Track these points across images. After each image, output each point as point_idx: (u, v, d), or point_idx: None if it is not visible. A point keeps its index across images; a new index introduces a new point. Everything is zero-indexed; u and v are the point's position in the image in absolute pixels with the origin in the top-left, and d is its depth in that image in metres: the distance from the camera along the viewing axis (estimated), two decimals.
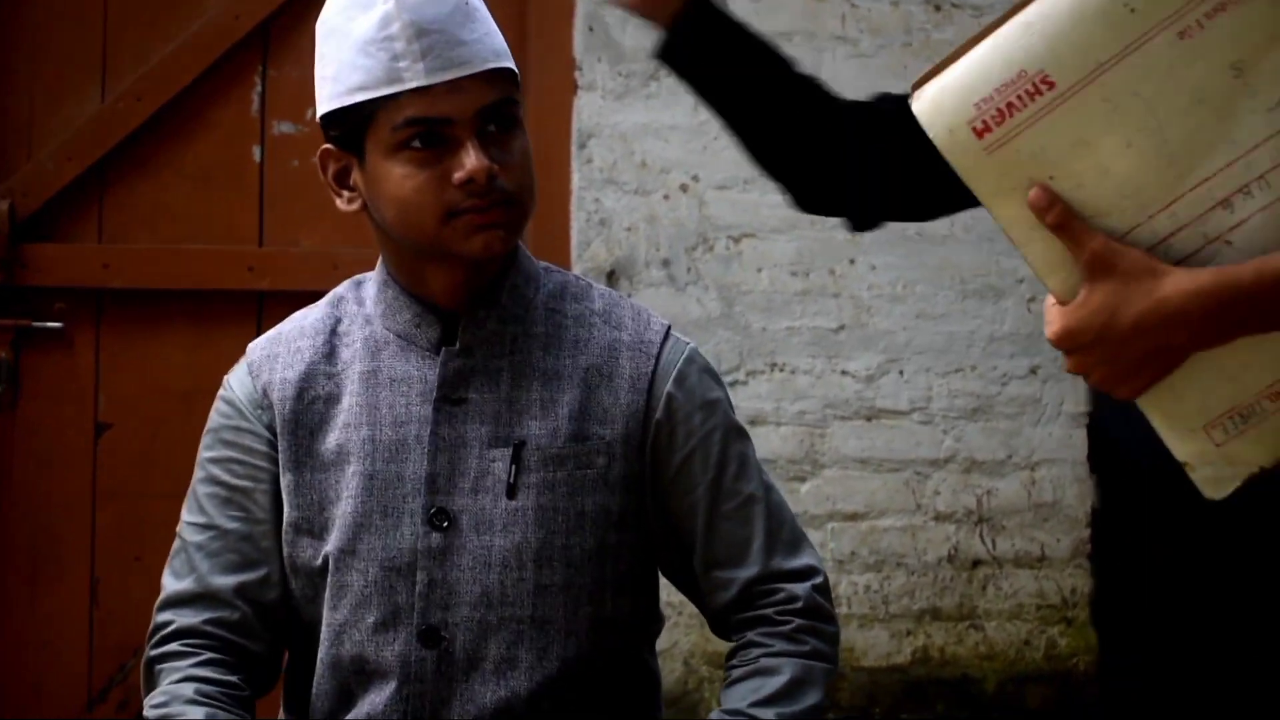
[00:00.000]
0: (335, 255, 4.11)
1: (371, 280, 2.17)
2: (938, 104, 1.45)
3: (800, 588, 2.11)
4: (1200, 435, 1.48)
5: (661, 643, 2.38)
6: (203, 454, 2.17)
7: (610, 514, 2.09)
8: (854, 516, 4.34)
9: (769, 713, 2.04)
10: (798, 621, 2.10)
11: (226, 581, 2.09)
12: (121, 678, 4.10)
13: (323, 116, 2.06)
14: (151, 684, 2.09)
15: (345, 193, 2.08)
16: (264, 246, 4.22)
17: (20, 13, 4.15)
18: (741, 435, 2.17)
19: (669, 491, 2.12)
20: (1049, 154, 1.44)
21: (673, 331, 2.17)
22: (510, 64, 2.05)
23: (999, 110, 1.43)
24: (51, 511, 4.15)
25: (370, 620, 2.05)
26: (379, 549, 2.05)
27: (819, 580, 2.15)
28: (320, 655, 2.09)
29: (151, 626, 2.13)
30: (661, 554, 2.18)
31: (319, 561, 2.09)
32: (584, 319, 2.13)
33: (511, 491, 2.05)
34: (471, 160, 1.96)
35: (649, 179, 4.28)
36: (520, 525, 2.05)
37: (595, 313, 2.14)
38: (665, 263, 4.26)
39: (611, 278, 4.22)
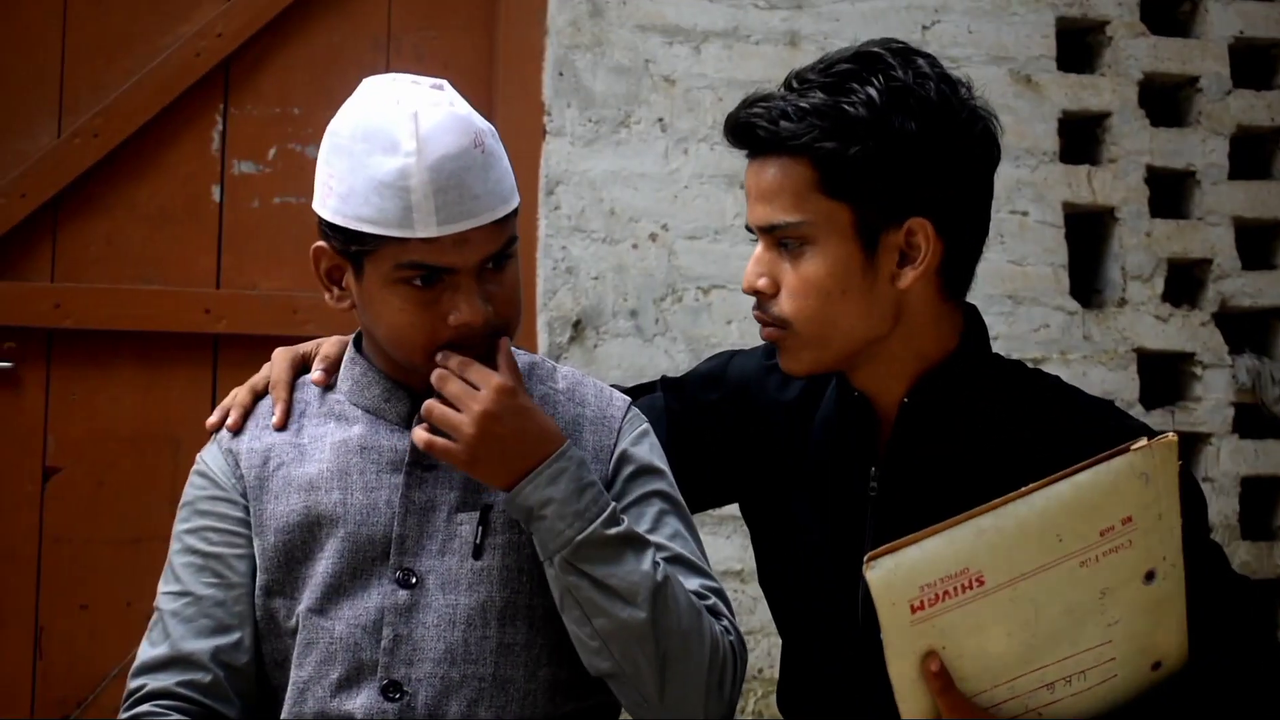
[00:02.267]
0: (295, 300, 4.04)
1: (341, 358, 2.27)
2: (890, 581, 1.74)
3: (708, 602, 2.13)
4: None
5: None
6: (178, 527, 2.20)
7: None
8: None
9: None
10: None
11: (200, 646, 2.11)
12: None
13: (324, 221, 2.08)
14: None
15: (335, 290, 2.14)
16: (221, 289, 4.13)
17: None
18: (681, 510, 2.21)
19: None
20: (953, 631, 1.77)
21: (633, 406, 2.26)
22: (516, 201, 2.10)
23: (936, 595, 1.74)
24: None
25: (334, 676, 2.08)
26: (346, 608, 2.09)
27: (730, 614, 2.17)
28: (284, 714, 2.11)
29: (125, 693, 2.14)
30: None
31: (292, 622, 2.12)
32: (549, 398, 2.22)
33: (478, 552, 2.11)
34: (469, 309, 2.03)
35: (617, 227, 4.22)
36: (485, 584, 2.10)
37: (560, 392, 2.23)
38: (633, 313, 4.20)
39: (578, 328, 4.14)
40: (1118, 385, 4.39)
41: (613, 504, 2.05)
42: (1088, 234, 4.57)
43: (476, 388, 2.00)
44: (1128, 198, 4.51)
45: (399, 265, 2.02)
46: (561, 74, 4.22)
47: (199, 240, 4.13)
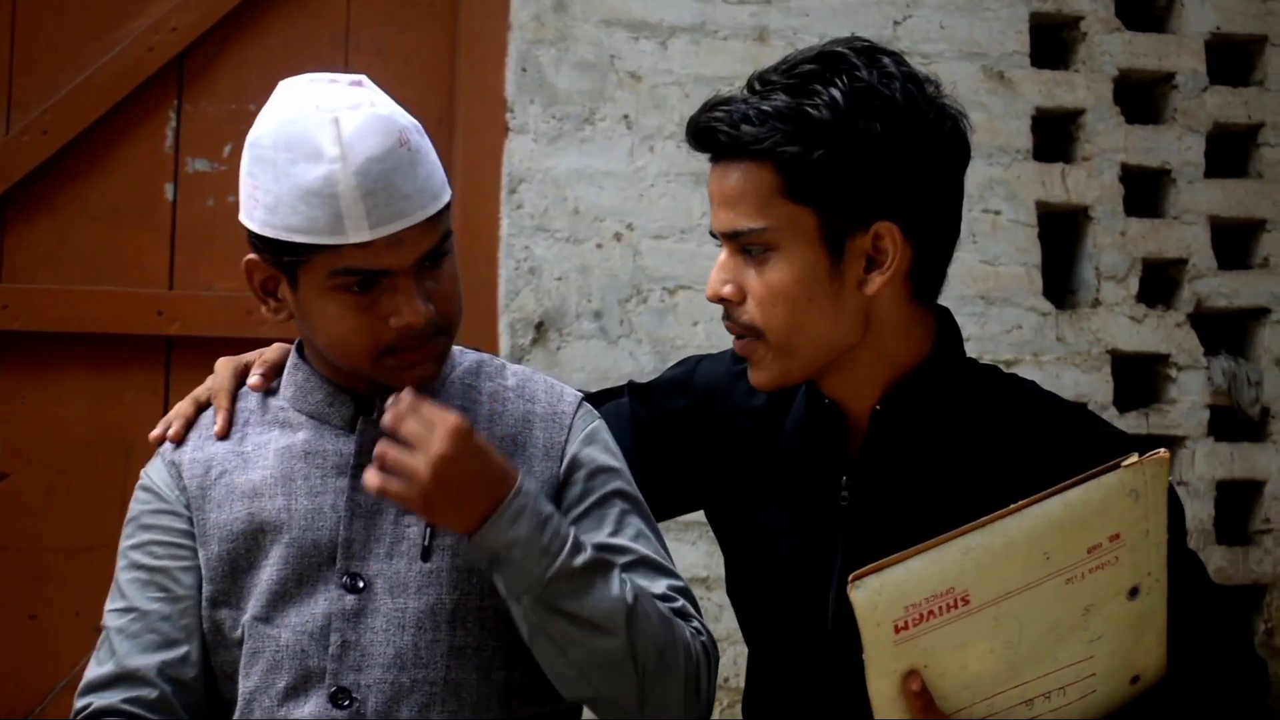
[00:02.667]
0: (249, 300, 3.87)
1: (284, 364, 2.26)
2: (874, 601, 1.72)
3: (675, 604, 2.12)
4: None
5: None
6: (123, 544, 2.18)
7: None
8: None
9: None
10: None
11: (146, 661, 2.09)
12: None
13: (252, 233, 2.06)
14: None
15: (271, 301, 2.12)
16: (174, 289, 4.06)
17: None
18: (641, 508, 2.20)
19: None
20: (935, 650, 1.76)
21: (585, 403, 2.25)
22: (448, 196, 2.09)
23: (921, 615, 1.73)
24: None
25: (281, 685, 2.07)
26: (293, 614, 2.08)
27: (703, 634, 2.14)
28: None
29: (72, 713, 2.12)
30: None
31: (238, 632, 2.10)
32: (499, 395, 2.21)
33: (426, 554, 2.08)
34: (410, 310, 2.02)
35: (581, 227, 4.16)
36: (435, 586, 2.08)
37: (510, 389, 2.22)
38: (597, 314, 4.13)
39: (540, 329, 4.08)
40: (1091, 387, 4.34)
41: (572, 531, 2.02)
42: (1061, 233, 4.52)
43: (430, 426, 1.94)
44: (1102, 196, 4.46)
45: (334, 273, 2.00)
46: (524, 70, 4.15)
47: (152, 240, 4.05)
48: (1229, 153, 4.65)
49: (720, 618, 4.05)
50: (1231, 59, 4.69)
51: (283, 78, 2.07)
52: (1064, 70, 4.53)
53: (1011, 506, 1.73)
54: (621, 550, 2.11)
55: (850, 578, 1.72)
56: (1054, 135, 4.54)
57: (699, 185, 4.17)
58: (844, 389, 2.11)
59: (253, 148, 2.03)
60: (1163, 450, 1.76)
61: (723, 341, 4.07)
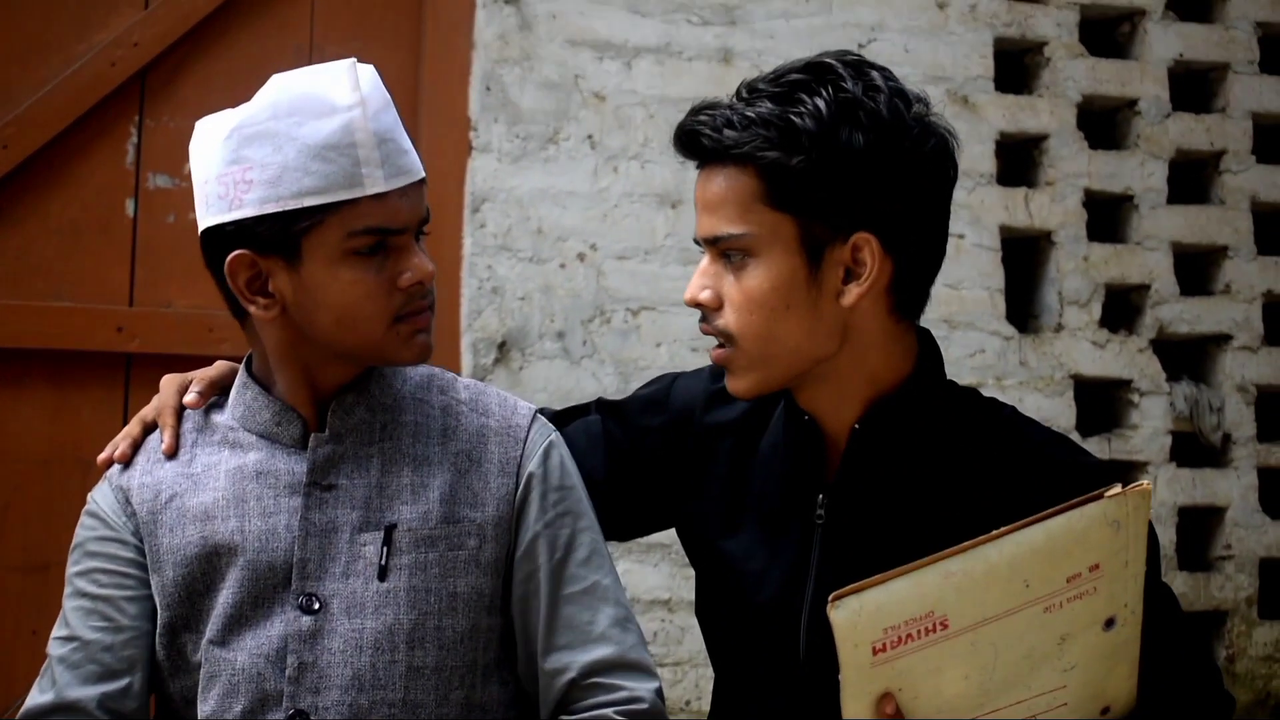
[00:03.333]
0: (210, 318, 3.94)
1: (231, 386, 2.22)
2: (854, 622, 1.72)
3: (643, 688, 2.12)
4: None
5: None
6: (69, 570, 2.15)
7: (483, 596, 2.11)
8: None
9: None
10: None
11: (85, 693, 2.08)
12: None
13: (243, 221, 2.02)
14: None
15: (261, 300, 2.06)
16: (134, 306, 4.02)
17: None
18: (593, 526, 2.19)
19: (516, 569, 2.14)
20: (911, 673, 1.75)
21: (539, 415, 2.23)
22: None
23: (900, 638, 1.73)
24: None
25: (238, 709, 2.04)
26: (249, 637, 2.05)
27: (659, 685, 2.15)
28: None
29: None
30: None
31: (198, 656, 2.09)
32: (451, 408, 2.19)
33: (383, 574, 2.07)
34: (419, 266, 2.04)
35: (545, 246, 4.14)
36: (392, 607, 2.07)
37: (462, 402, 2.21)
38: (560, 335, 4.11)
39: (503, 349, 4.06)
40: (1054, 412, 4.34)
41: None
42: (1024, 258, 4.52)
43: None
44: (1065, 221, 4.47)
45: (351, 234, 2.00)
46: (489, 89, 4.14)
47: (112, 256, 4.02)
48: (1191, 179, 4.66)
49: (682, 640, 4.03)
50: (1194, 86, 4.71)
51: (245, 93, 2.08)
52: (1028, 95, 4.54)
53: (994, 532, 1.73)
54: (571, 578, 2.13)
55: (830, 597, 1.71)
56: (1017, 160, 4.55)
57: (663, 206, 4.16)
58: (822, 404, 2.11)
59: (239, 130, 2.01)
60: (1145, 482, 1.76)
61: (685, 362, 4.09)
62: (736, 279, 2.03)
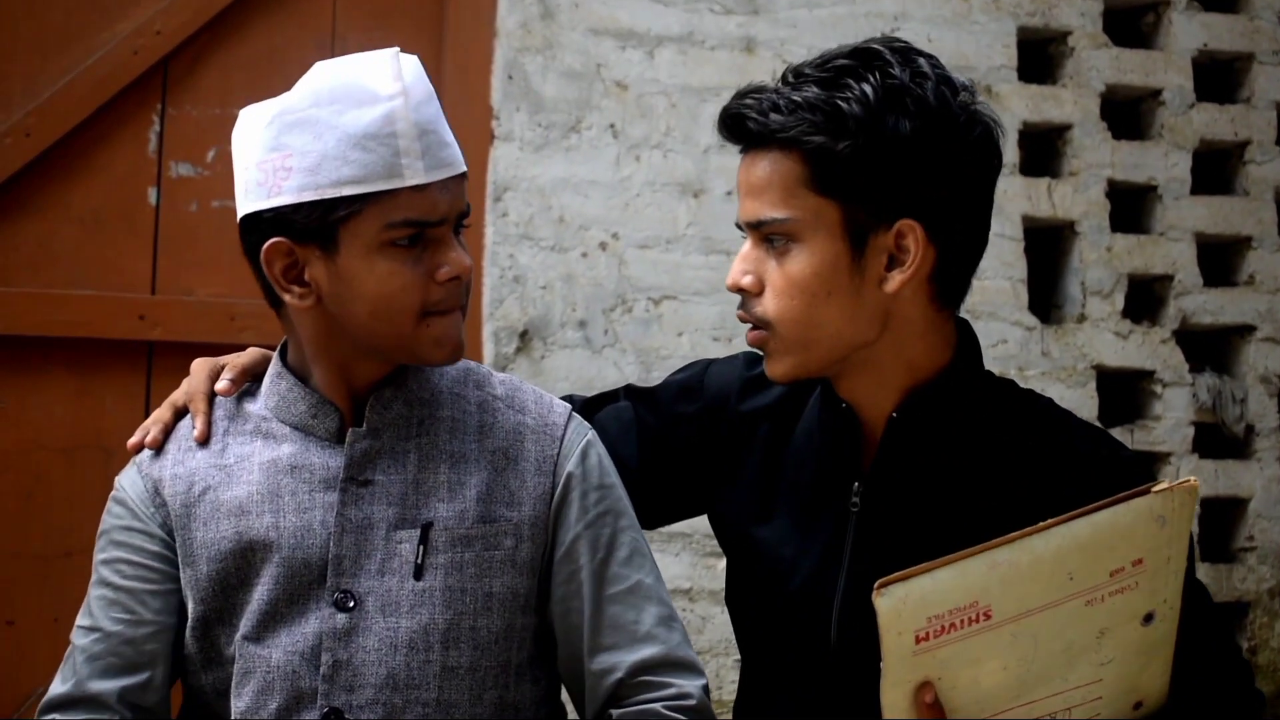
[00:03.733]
0: (232, 306, 3.95)
1: (264, 374, 2.19)
2: (899, 610, 1.72)
3: (692, 685, 2.11)
4: None
5: None
6: (96, 557, 2.13)
7: (518, 596, 2.10)
8: None
9: None
10: None
11: (106, 686, 2.07)
12: None
13: (279, 208, 2.00)
14: None
15: (297, 289, 2.04)
16: (157, 294, 4.02)
17: None
18: (634, 525, 2.18)
19: (556, 570, 2.13)
20: (951, 663, 1.76)
21: (574, 414, 2.21)
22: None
23: (943, 627, 1.73)
24: None
25: (273, 706, 2.03)
26: (283, 634, 2.04)
27: (705, 682, 2.14)
28: None
29: None
30: (552, 640, 2.17)
31: (231, 649, 2.07)
32: (487, 404, 2.17)
33: (419, 572, 2.05)
34: (457, 260, 2.01)
35: (567, 235, 4.13)
36: (428, 606, 2.05)
37: (498, 398, 2.19)
38: (582, 324, 4.10)
39: (525, 338, 4.05)
40: (1076, 403, 4.33)
41: None
42: (1047, 248, 4.51)
43: None
44: (1088, 211, 4.46)
45: (390, 225, 1.98)
46: (511, 77, 4.13)
47: (134, 244, 4.02)
48: (1215, 169, 4.65)
49: (704, 630, 4.02)
50: (1218, 76, 4.69)
51: (267, 82, 2.08)
52: (1051, 85, 4.52)
53: (1040, 525, 1.73)
54: (614, 577, 2.12)
55: (876, 585, 1.71)
56: (1041, 150, 4.53)
57: (685, 195, 4.15)
58: (860, 392, 2.10)
59: (280, 117, 1.99)
60: (1193, 479, 1.76)
61: (706, 351, 4.08)
62: (779, 264, 2.03)
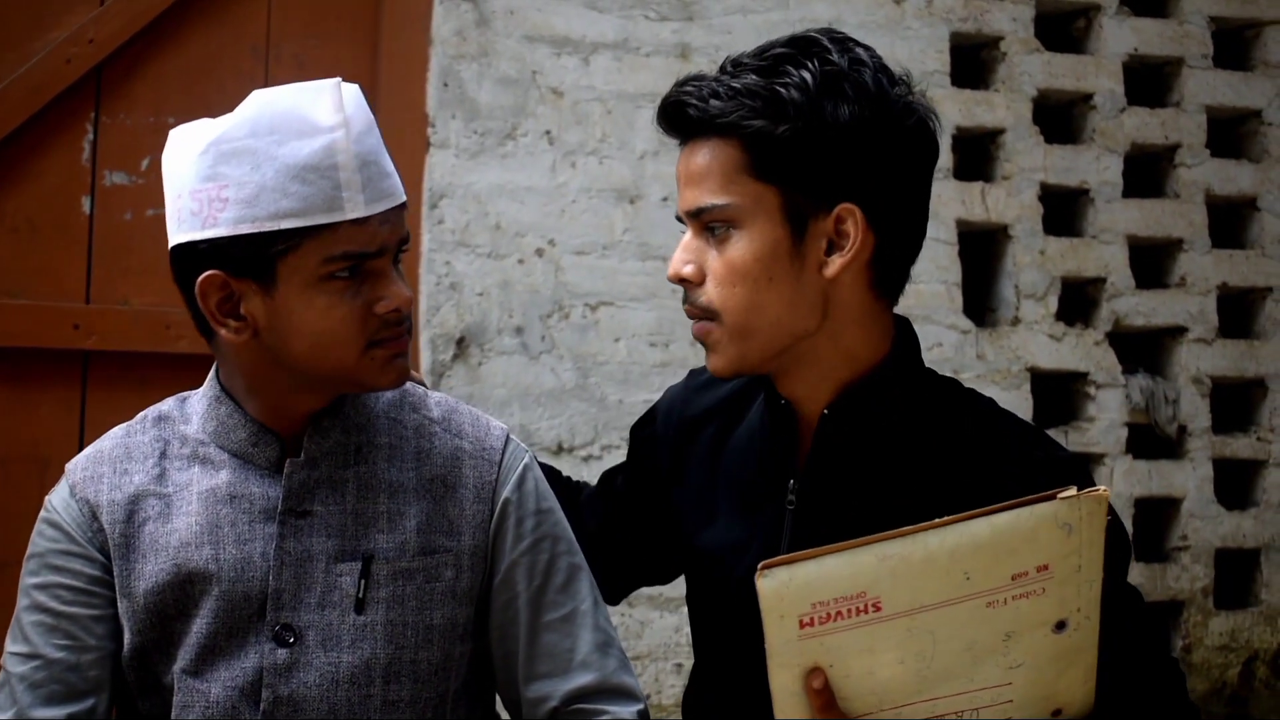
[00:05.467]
0: (167, 315, 3.92)
1: (199, 398, 2.14)
2: (781, 593, 1.71)
3: (627, 711, 2.11)
4: None
5: None
6: (27, 580, 2.07)
7: (457, 626, 2.09)
8: None
9: None
10: None
11: (51, 714, 2.01)
12: None
13: (217, 241, 1.94)
14: None
15: (232, 323, 1.99)
16: (91, 303, 3.99)
17: None
18: (571, 549, 2.18)
19: (494, 597, 2.12)
20: (841, 651, 1.74)
21: (511, 436, 2.20)
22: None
23: (829, 614, 1.72)
24: None
25: None
26: (222, 668, 2.01)
27: (643, 707, 2.13)
28: None
29: None
30: (490, 664, 2.16)
31: (169, 679, 2.03)
32: (424, 429, 2.15)
33: (360, 606, 2.04)
34: (397, 292, 1.98)
35: (503, 242, 4.13)
36: (369, 641, 2.03)
37: (435, 421, 2.16)
38: (518, 330, 4.10)
39: (462, 345, 4.05)
40: (1011, 405, 4.33)
41: None
42: (981, 252, 4.54)
43: None
44: (1021, 215, 4.49)
45: (329, 259, 1.93)
46: (446, 85, 4.13)
47: (68, 253, 3.99)
48: (1146, 173, 4.69)
49: (642, 634, 4.03)
50: (1148, 80, 4.73)
51: (202, 90, 2.06)
52: (984, 90, 4.55)
53: (936, 521, 1.71)
54: (550, 604, 2.12)
55: (760, 566, 1.71)
56: (974, 154, 4.56)
57: (621, 201, 4.16)
58: (800, 387, 2.11)
59: (216, 145, 1.93)
60: (1103, 488, 1.73)
61: (643, 357, 4.10)
62: (720, 252, 2.03)
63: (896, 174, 2.05)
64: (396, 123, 4.06)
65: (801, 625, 1.72)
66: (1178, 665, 2.06)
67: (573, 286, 4.16)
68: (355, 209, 1.92)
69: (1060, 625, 1.77)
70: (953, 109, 4.47)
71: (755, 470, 2.18)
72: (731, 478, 2.22)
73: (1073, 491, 1.71)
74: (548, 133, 4.18)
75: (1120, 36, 4.63)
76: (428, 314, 4.06)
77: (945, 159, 4.42)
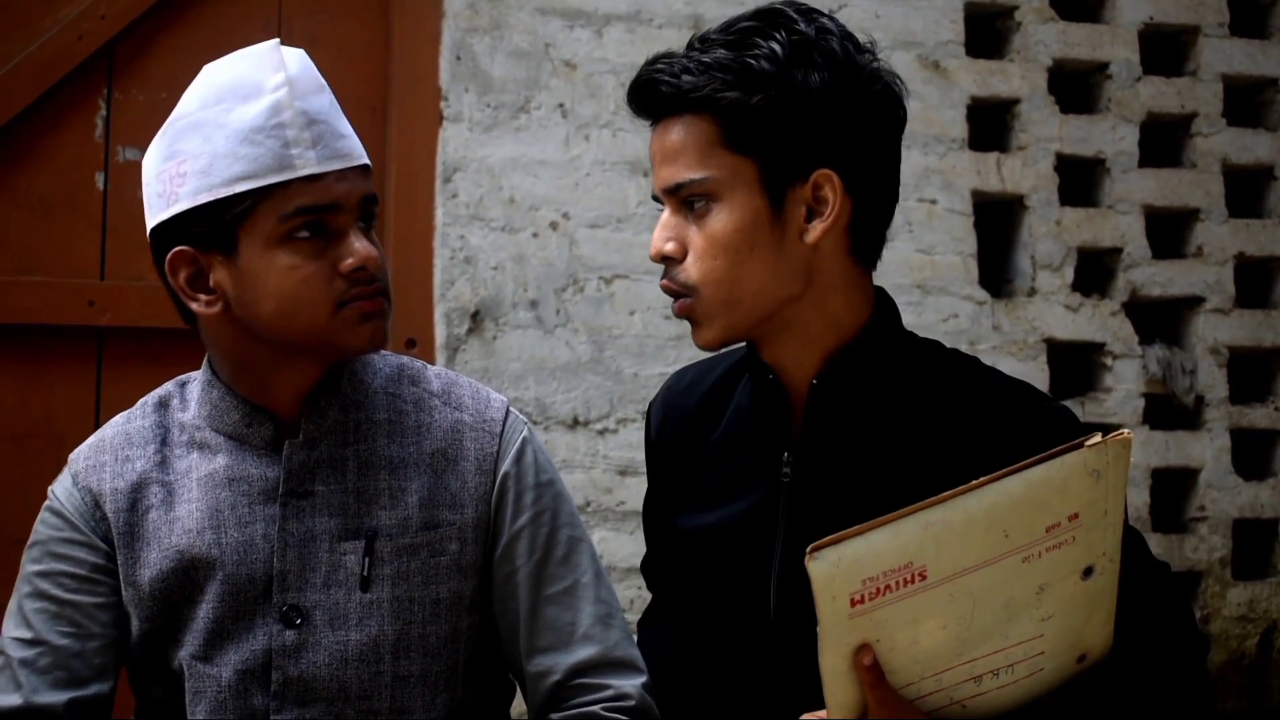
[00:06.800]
0: None
1: (195, 381, 2.17)
2: (832, 573, 1.69)
3: (630, 684, 2.10)
4: None
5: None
6: (29, 567, 2.10)
7: (463, 599, 2.10)
8: None
9: None
10: None
11: (55, 699, 2.03)
12: None
13: (178, 215, 1.99)
14: None
15: (203, 296, 2.03)
16: (106, 280, 3.99)
17: None
18: (572, 521, 2.18)
19: (495, 571, 2.12)
20: (888, 624, 1.73)
21: (511, 409, 2.20)
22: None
23: (878, 589, 1.70)
24: None
25: None
26: (232, 652, 2.03)
27: (646, 679, 2.13)
28: None
29: None
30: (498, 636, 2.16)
31: (177, 664, 2.06)
32: (423, 402, 2.16)
33: (365, 584, 2.05)
34: (361, 249, 1.98)
35: (517, 216, 4.12)
36: (376, 618, 2.05)
37: (434, 394, 2.17)
38: (533, 304, 4.10)
39: (476, 319, 4.04)
40: (1027, 376, 4.33)
41: None
42: (997, 222, 4.52)
43: None
44: (1037, 185, 4.47)
45: (284, 216, 1.96)
46: (459, 58, 4.12)
47: (82, 230, 3.99)
48: (1162, 142, 4.66)
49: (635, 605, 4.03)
50: (1165, 49, 4.71)
51: None
52: (999, 60, 4.53)
53: (973, 483, 1.71)
54: (551, 577, 2.12)
55: (809, 549, 1.70)
56: (989, 124, 4.54)
57: (635, 174, 4.15)
58: (786, 356, 2.11)
59: (171, 126, 2.01)
60: (1126, 431, 1.74)
61: (658, 330, 4.09)
62: (699, 226, 2.04)
63: (869, 138, 2.06)
64: (409, 97, 4.06)
65: (853, 603, 1.72)
66: (1184, 598, 2.07)
67: (587, 260, 4.15)
68: (306, 165, 1.95)
69: (1088, 571, 1.78)
70: (968, 79, 4.45)
71: (745, 448, 2.19)
72: (721, 459, 2.22)
73: (1099, 438, 1.72)
74: (561, 105, 4.16)
75: (1136, 5, 4.61)
76: (442, 288, 4.05)
77: (960, 129, 4.41)
